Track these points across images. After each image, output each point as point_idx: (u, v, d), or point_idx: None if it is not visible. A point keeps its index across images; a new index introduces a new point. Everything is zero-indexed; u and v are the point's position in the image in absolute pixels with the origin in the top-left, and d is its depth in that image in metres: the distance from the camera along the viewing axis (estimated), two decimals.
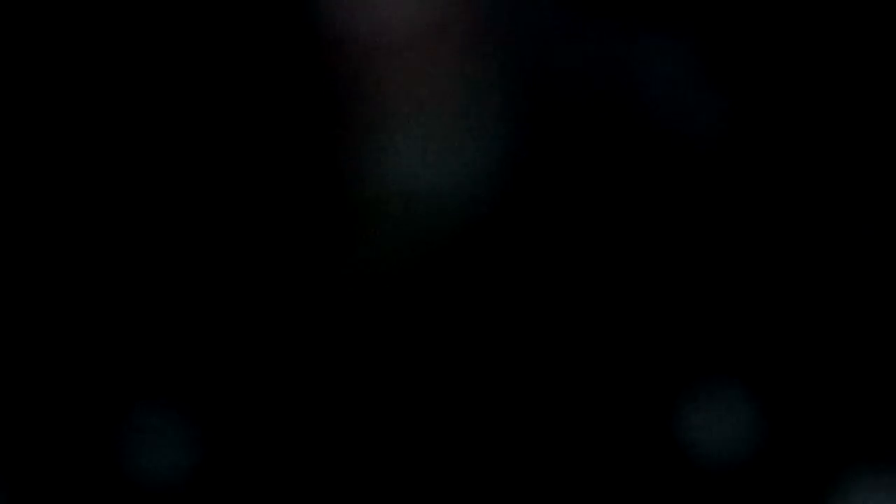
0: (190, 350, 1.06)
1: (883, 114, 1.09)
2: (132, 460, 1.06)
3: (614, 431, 1.06)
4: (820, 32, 1.09)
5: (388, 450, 1.06)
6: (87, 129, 1.07)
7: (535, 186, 1.05)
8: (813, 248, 1.06)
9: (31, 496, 1.05)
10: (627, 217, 1.05)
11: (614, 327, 1.05)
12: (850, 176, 1.10)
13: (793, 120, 1.10)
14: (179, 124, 1.05)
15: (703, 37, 1.10)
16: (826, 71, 1.09)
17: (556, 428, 1.06)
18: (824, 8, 1.09)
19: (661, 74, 1.06)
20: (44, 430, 1.06)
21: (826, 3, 1.09)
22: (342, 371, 1.05)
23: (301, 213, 1.04)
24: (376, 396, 1.05)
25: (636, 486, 1.06)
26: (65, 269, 1.06)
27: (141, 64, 1.07)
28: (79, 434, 1.06)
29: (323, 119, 1.03)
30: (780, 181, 1.07)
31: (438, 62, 1.03)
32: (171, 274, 1.06)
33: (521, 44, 1.06)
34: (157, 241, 1.06)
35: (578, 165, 1.05)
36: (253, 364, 1.06)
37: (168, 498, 1.09)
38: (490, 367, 1.05)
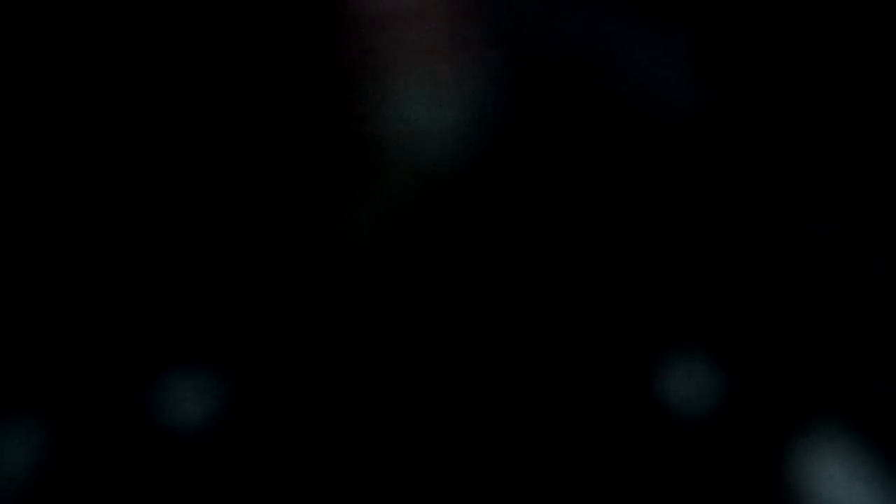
0: (213, 305, 1.06)
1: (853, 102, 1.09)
2: (162, 411, 1.07)
3: (593, 394, 1.07)
4: (801, 24, 1.08)
5: (399, 383, 1.06)
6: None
7: (517, 154, 1.05)
8: (769, 230, 1.08)
9: (69, 443, 1.06)
10: (608, 196, 1.05)
11: (592, 291, 1.06)
12: (810, 165, 1.10)
13: (770, 108, 1.10)
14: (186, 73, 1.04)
15: (690, 25, 1.08)
16: (807, 62, 1.08)
17: (537, 390, 1.07)
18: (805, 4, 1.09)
19: (646, 58, 1.07)
20: (81, 380, 1.06)
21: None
22: (353, 318, 1.05)
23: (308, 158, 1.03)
24: (383, 339, 1.06)
25: (615, 444, 1.08)
26: (104, 232, 1.05)
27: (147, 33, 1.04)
28: (114, 385, 1.06)
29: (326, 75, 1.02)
30: (743, 167, 1.08)
31: (435, 32, 1.02)
32: (197, 232, 1.05)
33: (513, 21, 1.06)
34: (181, 207, 1.06)
35: (560, 137, 1.05)
36: (273, 316, 1.06)
37: (196, 447, 1.09)
38: (476, 322, 1.06)
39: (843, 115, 1.11)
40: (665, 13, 1.09)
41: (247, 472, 1.08)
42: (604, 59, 1.06)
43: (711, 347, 1.07)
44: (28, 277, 1.05)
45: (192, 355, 1.07)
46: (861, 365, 1.08)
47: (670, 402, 1.09)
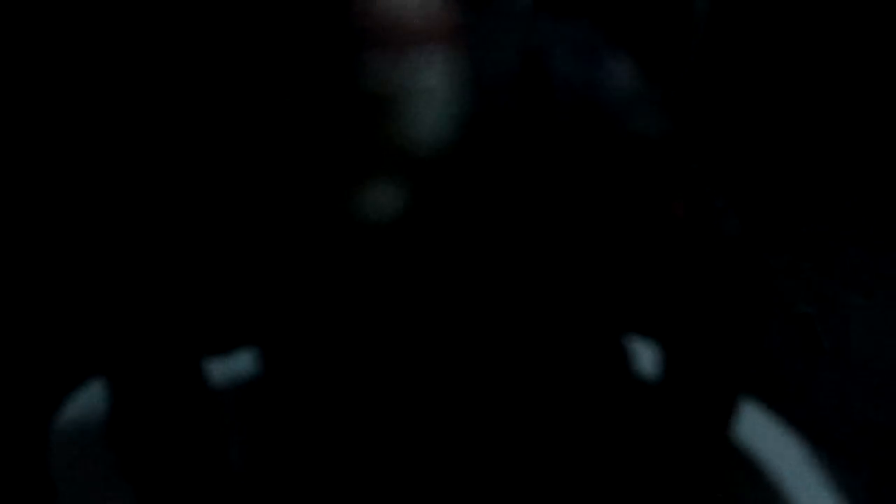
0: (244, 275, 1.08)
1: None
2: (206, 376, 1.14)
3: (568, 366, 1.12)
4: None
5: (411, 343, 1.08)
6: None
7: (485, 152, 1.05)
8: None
9: (133, 400, 1.11)
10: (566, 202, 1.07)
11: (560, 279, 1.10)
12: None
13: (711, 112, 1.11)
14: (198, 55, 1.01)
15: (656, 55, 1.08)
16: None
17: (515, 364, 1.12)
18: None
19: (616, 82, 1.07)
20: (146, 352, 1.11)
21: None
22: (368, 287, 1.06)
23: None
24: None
25: (589, 408, 1.15)
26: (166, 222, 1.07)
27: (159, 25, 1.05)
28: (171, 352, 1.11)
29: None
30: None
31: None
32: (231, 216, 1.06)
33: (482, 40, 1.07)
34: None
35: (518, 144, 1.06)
36: (296, 293, 1.08)
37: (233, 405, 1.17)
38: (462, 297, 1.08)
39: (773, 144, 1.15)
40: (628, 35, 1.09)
41: (276, 430, 1.16)
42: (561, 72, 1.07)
43: (658, 333, 1.14)
44: (93, 272, 1.10)
45: (228, 334, 1.14)
46: (781, 345, 1.10)
47: (625, 376, 1.18)
